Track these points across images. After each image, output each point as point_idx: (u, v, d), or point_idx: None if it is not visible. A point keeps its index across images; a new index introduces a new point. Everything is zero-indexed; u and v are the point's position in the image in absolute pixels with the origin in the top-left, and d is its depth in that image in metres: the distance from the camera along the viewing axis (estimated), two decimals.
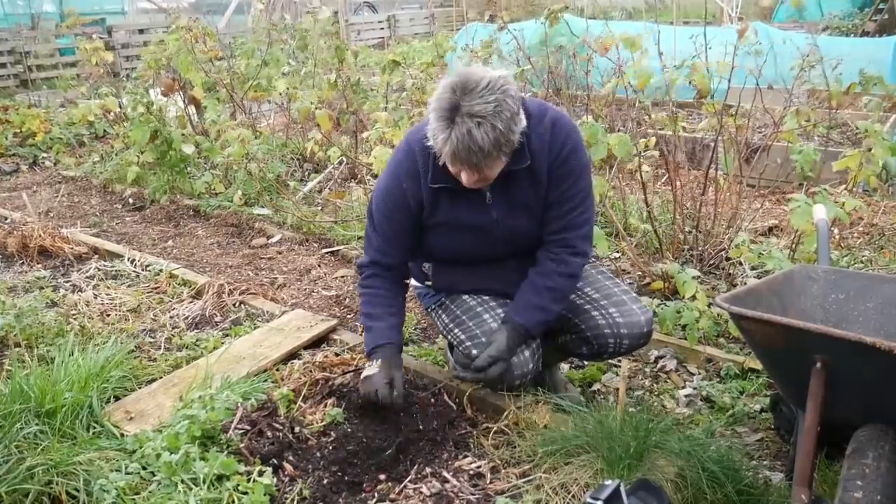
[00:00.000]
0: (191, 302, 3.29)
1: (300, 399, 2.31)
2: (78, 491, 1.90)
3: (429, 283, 2.41)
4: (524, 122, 1.99)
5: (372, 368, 2.19)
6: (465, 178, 2.00)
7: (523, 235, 2.19)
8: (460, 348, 2.28)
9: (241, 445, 2.07)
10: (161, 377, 2.57)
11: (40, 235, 3.92)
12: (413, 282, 2.55)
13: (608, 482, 1.54)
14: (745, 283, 3.00)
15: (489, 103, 1.85)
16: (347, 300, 3.39)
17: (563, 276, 2.15)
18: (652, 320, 2.26)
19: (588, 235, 2.20)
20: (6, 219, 4.57)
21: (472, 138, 1.84)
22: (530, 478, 1.94)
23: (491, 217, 2.16)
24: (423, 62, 4.44)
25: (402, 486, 1.97)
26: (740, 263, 3.26)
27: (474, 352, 2.20)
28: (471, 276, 2.32)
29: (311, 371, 2.51)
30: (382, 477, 2.01)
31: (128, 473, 1.96)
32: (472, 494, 1.93)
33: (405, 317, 2.36)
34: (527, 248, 2.22)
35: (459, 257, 2.30)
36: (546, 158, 2.09)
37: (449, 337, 2.35)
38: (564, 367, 2.69)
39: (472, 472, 2.01)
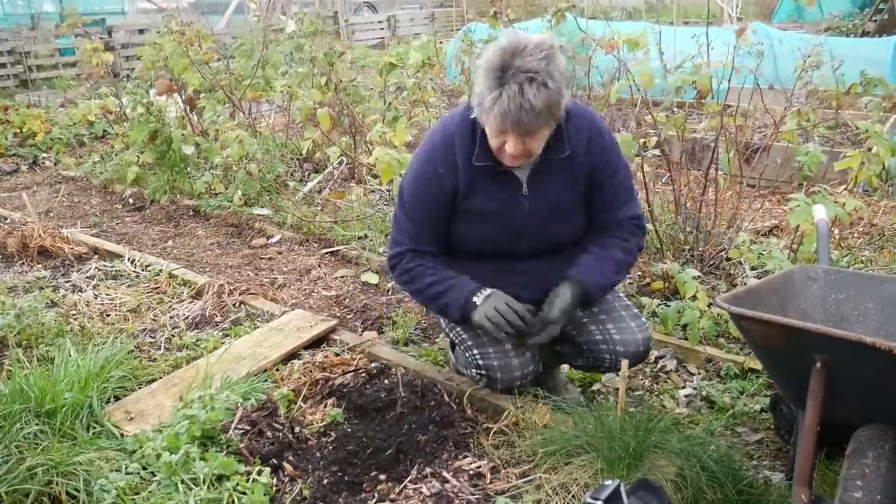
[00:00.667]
0: (191, 302, 3.29)
1: (300, 399, 2.31)
2: (78, 491, 1.90)
3: None
4: (568, 97, 1.96)
5: (484, 292, 2.08)
6: (510, 146, 1.93)
7: (549, 233, 2.17)
8: (462, 347, 2.28)
9: (241, 445, 2.07)
10: (161, 377, 2.57)
11: (40, 235, 3.92)
12: None
13: (608, 482, 1.54)
14: (746, 284, 3.00)
15: (541, 60, 1.83)
16: (347, 300, 3.39)
17: (625, 250, 2.18)
18: (650, 339, 2.25)
19: (639, 210, 2.24)
20: (6, 219, 4.57)
21: (523, 95, 1.81)
22: (530, 478, 1.93)
23: (524, 208, 2.13)
24: (416, 63, 4.42)
25: (402, 486, 1.97)
26: (740, 263, 3.26)
27: (475, 351, 2.20)
28: (482, 274, 2.30)
29: (311, 371, 2.51)
30: (382, 477, 2.01)
31: (128, 473, 1.96)
32: (472, 494, 1.93)
33: None
34: (547, 248, 2.20)
35: (478, 250, 2.24)
36: (583, 152, 2.10)
37: (451, 335, 2.34)
38: (564, 367, 2.68)
39: (472, 472, 2.01)
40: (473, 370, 2.25)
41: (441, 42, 4.78)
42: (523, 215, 2.14)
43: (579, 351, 2.26)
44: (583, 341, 2.23)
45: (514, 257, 2.24)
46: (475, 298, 2.09)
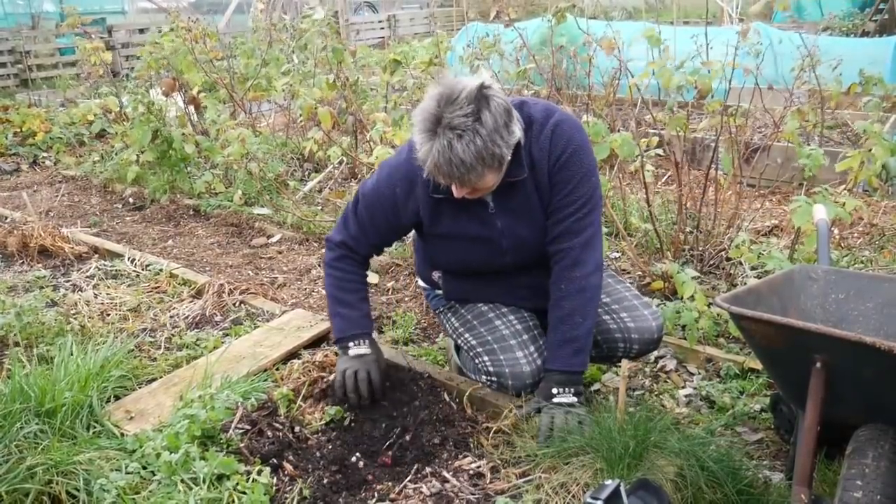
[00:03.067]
0: (191, 301, 3.29)
1: (300, 398, 2.31)
2: (78, 490, 1.90)
3: (439, 291, 2.41)
4: (518, 134, 1.94)
5: (362, 348, 2.22)
6: (454, 191, 1.97)
7: (529, 245, 2.16)
8: (470, 353, 2.28)
9: (241, 445, 2.07)
10: (161, 377, 2.57)
11: (40, 235, 3.92)
12: (420, 282, 2.55)
13: (608, 482, 1.54)
14: (746, 283, 2.99)
15: (468, 116, 1.80)
16: None
17: (572, 296, 2.08)
18: (662, 326, 2.26)
19: (590, 243, 2.09)
20: (6, 218, 4.57)
21: (452, 151, 1.80)
22: (530, 478, 1.93)
23: (496, 227, 2.13)
24: (421, 62, 4.41)
25: (402, 486, 1.97)
26: (740, 263, 3.26)
27: (485, 358, 2.21)
28: (481, 288, 2.31)
29: (310, 370, 2.51)
30: (382, 476, 2.01)
31: (128, 473, 1.95)
32: (472, 494, 1.93)
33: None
34: (534, 260, 2.19)
35: (467, 269, 2.28)
36: (546, 165, 2.06)
37: (459, 341, 2.34)
38: None
39: (471, 472, 2.01)
40: (484, 376, 2.25)
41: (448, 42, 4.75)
42: (497, 233, 2.13)
43: (593, 341, 2.25)
44: (596, 331, 2.22)
45: (509, 271, 2.24)
46: (350, 345, 2.23)
